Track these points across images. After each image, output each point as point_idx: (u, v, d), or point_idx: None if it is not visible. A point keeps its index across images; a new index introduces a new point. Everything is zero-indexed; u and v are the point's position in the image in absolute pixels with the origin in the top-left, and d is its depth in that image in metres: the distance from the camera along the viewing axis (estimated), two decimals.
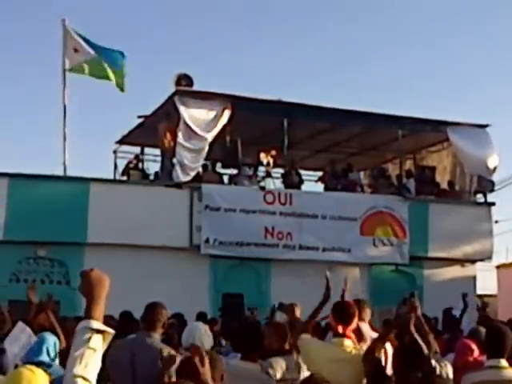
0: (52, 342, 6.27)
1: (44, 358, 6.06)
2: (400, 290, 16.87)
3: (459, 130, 19.74)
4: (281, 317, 8.92)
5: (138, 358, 5.98)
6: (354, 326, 5.98)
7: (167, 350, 6.00)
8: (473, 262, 20.04)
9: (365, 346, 6.06)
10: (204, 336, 7.16)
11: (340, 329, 5.88)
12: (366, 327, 6.65)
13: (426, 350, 5.34)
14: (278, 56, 48.19)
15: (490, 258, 20.30)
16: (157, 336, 6.17)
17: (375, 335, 6.55)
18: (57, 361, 6.21)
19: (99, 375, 2.98)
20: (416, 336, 5.54)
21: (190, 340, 6.73)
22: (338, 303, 6.10)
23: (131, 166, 19.16)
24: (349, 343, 5.87)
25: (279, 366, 6.09)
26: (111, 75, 17.58)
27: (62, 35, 17.42)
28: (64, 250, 16.28)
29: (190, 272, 16.90)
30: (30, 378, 3.73)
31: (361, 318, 6.52)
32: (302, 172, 20.74)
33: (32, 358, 5.99)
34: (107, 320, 9.52)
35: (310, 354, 5.96)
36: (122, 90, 17.92)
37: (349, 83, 48.71)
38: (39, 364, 5.58)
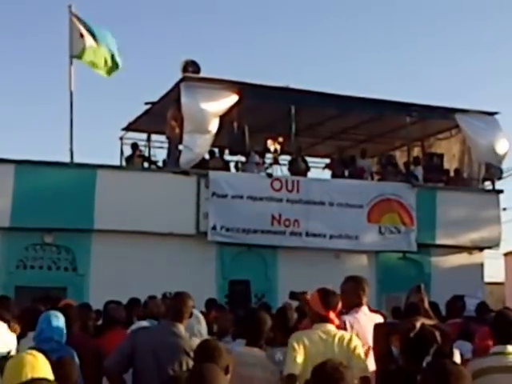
0: (61, 321, 6.28)
1: (54, 342, 6.09)
2: (408, 277, 16.94)
3: (468, 117, 19.64)
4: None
5: (162, 347, 5.97)
6: (336, 311, 6.01)
7: (191, 340, 6.06)
8: (480, 249, 19.97)
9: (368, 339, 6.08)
10: (201, 326, 7.28)
11: (323, 311, 5.89)
12: (362, 317, 6.55)
13: (438, 337, 5.29)
14: (286, 42, 48.10)
15: (497, 245, 20.24)
16: (181, 327, 6.16)
17: (374, 316, 6.54)
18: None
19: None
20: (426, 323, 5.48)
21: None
22: (322, 289, 6.12)
23: (137, 153, 19.17)
24: (330, 327, 5.86)
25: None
26: (105, 60, 17.35)
27: (68, 21, 17.35)
28: (71, 236, 16.27)
29: (197, 259, 16.88)
30: (32, 362, 3.81)
31: (359, 303, 6.47)
32: (310, 159, 20.70)
33: (43, 340, 6.03)
34: (115, 307, 9.54)
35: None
36: (109, 74, 17.63)
37: (355, 70, 48.61)
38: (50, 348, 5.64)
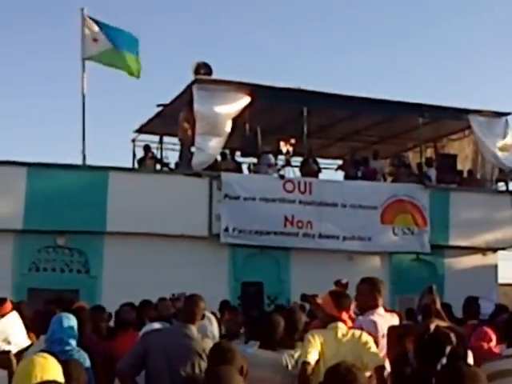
0: (73, 323, 6.27)
1: (66, 344, 6.08)
2: (421, 278, 16.86)
3: (480, 117, 19.55)
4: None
5: (175, 349, 5.96)
6: (348, 313, 6.10)
7: (203, 342, 6.06)
8: (494, 250, 19.88)
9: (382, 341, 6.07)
10: (214, 328, 7.27)
11: (336, 312, 5.94)
12: (378, 319, 6.51)
13: (453, 339, 5.25)
14: (295, 41, 48.09)
15: (511, 246, 20.13)
16: (194, 328, 6.14)
17: (389, 317, 6.50)
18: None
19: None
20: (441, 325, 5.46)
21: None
22: (334, 291, 6.29)
23: (150, 156, 19.19)
24: (342, 326, 5.91)
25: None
26: (128, 63, 17.46)
27: (80, 24, 17.40)
28: (83, 238, 16.28)
29: (210, 261, 16.85)
30: (43, 364, 3.81)
31: (375, 305, 6.46)
32: (322, 160, 20.67)
33: (54, 342, 6.02)
34: (127, 309, 9.55)
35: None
36: (137, 76, 17.80)
37: (361, 68, 48.53)
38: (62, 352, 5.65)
